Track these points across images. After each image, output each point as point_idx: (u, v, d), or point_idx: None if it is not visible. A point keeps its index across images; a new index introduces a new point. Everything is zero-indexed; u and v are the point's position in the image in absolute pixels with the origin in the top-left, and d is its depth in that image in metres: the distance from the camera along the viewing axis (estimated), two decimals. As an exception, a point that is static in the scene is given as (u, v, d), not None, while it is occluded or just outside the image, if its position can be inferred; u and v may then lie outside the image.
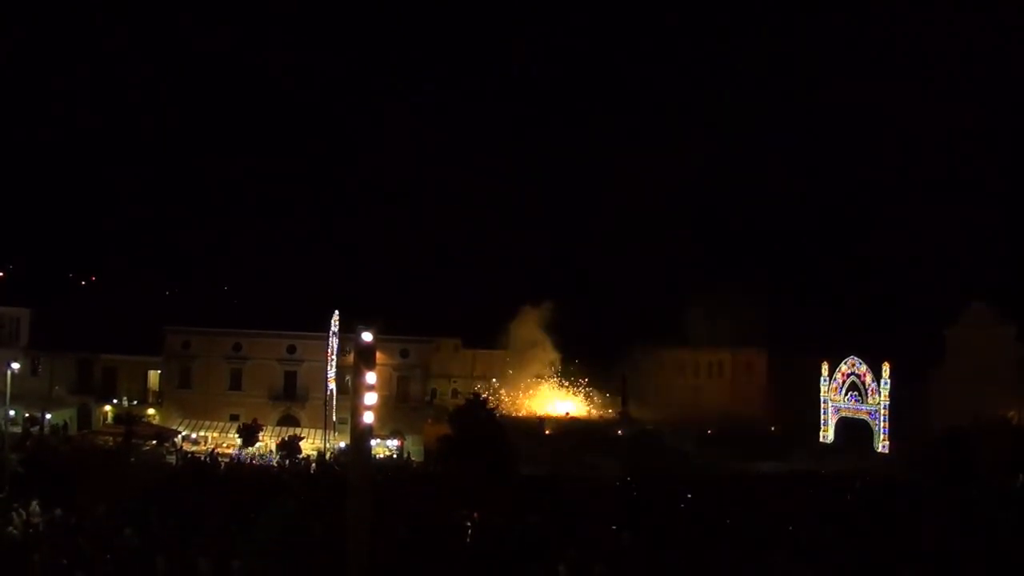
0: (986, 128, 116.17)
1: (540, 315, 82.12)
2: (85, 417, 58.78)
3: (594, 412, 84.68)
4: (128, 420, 48.83)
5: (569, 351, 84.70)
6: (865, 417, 62.66)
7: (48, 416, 55.17)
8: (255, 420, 54.28)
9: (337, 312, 56.04)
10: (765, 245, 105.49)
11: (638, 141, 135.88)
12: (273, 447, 52.28)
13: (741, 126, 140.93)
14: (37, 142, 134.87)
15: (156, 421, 56.87)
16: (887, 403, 60.74)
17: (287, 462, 47.79)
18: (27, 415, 54.16)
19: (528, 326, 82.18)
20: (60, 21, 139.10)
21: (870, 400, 62.11)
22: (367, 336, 14.47)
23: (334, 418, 55.35)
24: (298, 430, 56.32)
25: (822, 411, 66.50)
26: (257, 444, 52.90)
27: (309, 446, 53.67)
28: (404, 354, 62.02)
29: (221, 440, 54.30)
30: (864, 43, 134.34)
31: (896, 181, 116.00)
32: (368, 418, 14.18)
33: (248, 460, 48.72)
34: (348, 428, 17.62)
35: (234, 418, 57.71)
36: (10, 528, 22.09)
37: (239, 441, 52.61)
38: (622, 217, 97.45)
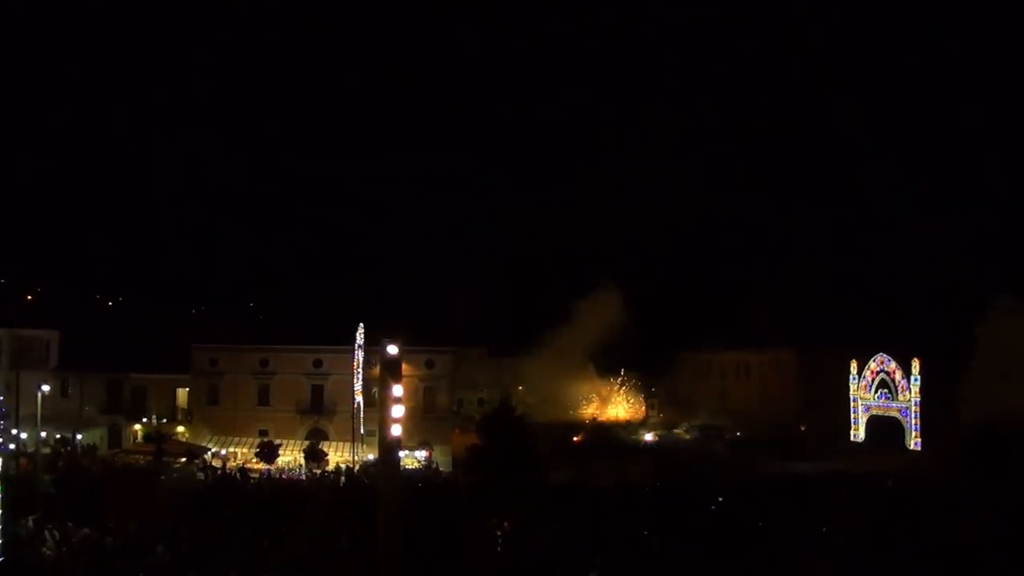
0: (1013, 120, 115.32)
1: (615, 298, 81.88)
2: (115, 436, 59.17)
3: (624, 416, 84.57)
4: (158, 438, 49.12)
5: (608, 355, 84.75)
6: (896, 415, 62.11)
7: (79, 436, 55.63)
8: (271, 442, 54.42)
9: (362, 325, 56.15)
10: (792, 244, 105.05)
11: (660, 144, 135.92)
12: (302, 460, 52.51)
13: (768, 121, 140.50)
14: (64, 165, 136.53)
15: (186, 438, 57.14)
16: (918, 400, 60.15)
17: (317, 473, 48.01)
18: (58, 436, 54.63)
19: (603, 305, 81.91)
20: (80, 35, 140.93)
21: (900, 397, 61.56)
22: (392, 349, 14.49)
23: (362, 430, 55.42)
24: (326, 443, 56.50)
25: (852, 409, 65.97)
26: (286, 459, 53.07)
27: (338, 459, 53.77)
28: (430, 365, 61.98)
29: (249, 456, 54.48)
30: (889, 32, 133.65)
31: (923, 175, 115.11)
32: (396, 430, 14.20)
33: (278, 475, 48.91)
34: (376, 440, 17.60)
35: (263, 433, 57.89)
36: (44, 548, 22.27)
37: (258, 460, 52.83)
38: (648, 223, 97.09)
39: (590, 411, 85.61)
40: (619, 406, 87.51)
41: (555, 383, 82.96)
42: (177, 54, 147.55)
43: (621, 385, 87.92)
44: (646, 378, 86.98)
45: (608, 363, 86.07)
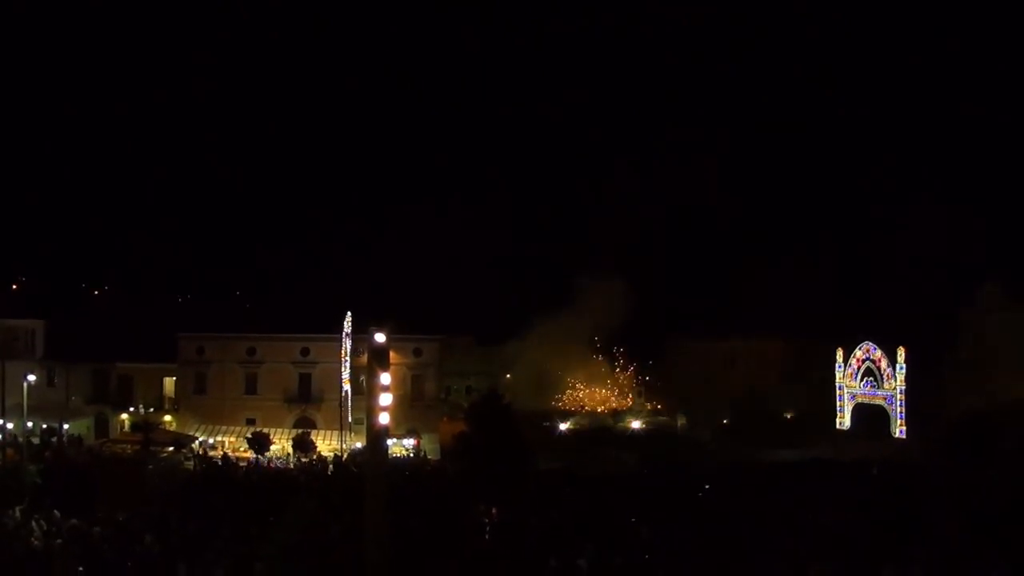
0: (999, 110, 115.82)
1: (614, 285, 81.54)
2: (102, 426, 58.96)
3: (612, 404, 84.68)
4: (145, 427, 48.95)
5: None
6: (881, 403, 62.42)
7: (66, 426, 55.42)
8: (262, 431, 54.25)
9: (350, 313, 56.09)
10: (777, 233, 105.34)
11: (648, 138, 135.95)
12: (290, 449, 52.45)
13: (757, 115, 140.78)
14: (49, 154, 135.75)
15: (173, 427, 57.04)
16: (903, 388, 60.46)
17: (304, 461, 47.99)
18: (44, 426, 54.43)
19: (599, 292, 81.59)
20: (74, 28, 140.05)
21: (886, 385, 61.86)
22: (380, 337, 14.50)
23: (350, 419, 55.40)
24: (314, 432, 56.44)
25: (838, 397, 66.30)
26: (274, 448, 53.01)
27: (326, 447, 53.74)
28: (417, 353, 61.98)
29: (238, 444, 54.41)
30: (889, 32, 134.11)
31: (908, 164, 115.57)
32: (384, 419, 14.21)
33: (266, 463, 48.89)
34: (364, 428, 17.60)
35: (250, 422, 57.86)
36: (31, 539, 22.21)
37: (249, 450, 52.69)
38: (634, 214, 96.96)
39: (579, 399, 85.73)
40: (607, 394, 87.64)
41: (544, 371, 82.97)
42: (177, 54, 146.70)
43: (610, 373, 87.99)
44: (634, 366, 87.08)
45: (597, 351, 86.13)
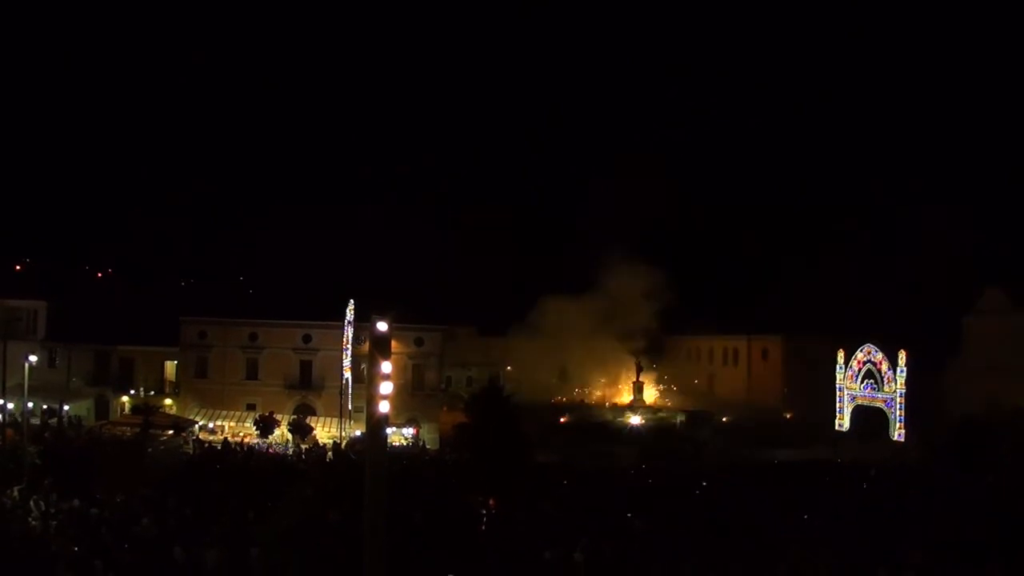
0: (1003, 112, 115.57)
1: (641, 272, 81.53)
2: (103, 408, 59.04)
3: (611, 398, 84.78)
4: (145, 411, 48.98)
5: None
6: (881, 405, 62.32)
7: (66, 408, 55.47)
8: (272, 412, 54.39)
9: (352, 301, 56.10)
10: (780, 232, 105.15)
11: (649, 131, 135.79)
12: (289, 436, 52.52)
13: (759, 114, 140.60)
14: (54, 136, 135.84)
15: (173, 411, 57.06)
16: (903, 391, 60.33)
17: (302, 449, 48.08)
18: (45, 407, 54.48)
19: (630, 278, 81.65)
20: (80, 16, 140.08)
21: (886, 388, 61.73)
22: (382, 325, 14.46)
23: (350, 407, 55.49)
24: (314, 419, 56.52)
25: (837, 399, 66.20)
26: (275, 432, 53.09)
27: (325, 434, 53.83)
28: (419, 342, 62.02)
29: (238, 430, 54.50)
30: (889, 32, 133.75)
31: (911, 166, 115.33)
32: (384, 407, 14.18)
33: (265, 449, 48.97)
34: (364, 416, 17.61)
35: (251, 407, 57.93)
36: (29, 519, 22.29)
37: (256, 432, 52.74)
38: (637, 209, 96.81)
39: (579, 393, 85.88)
40: (608, 389, 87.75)
41: (545, 364, 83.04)
42: (177, 54, 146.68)
43: (611, 367, 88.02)
44: (636, 361, 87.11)
45: (599, 345, 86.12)
